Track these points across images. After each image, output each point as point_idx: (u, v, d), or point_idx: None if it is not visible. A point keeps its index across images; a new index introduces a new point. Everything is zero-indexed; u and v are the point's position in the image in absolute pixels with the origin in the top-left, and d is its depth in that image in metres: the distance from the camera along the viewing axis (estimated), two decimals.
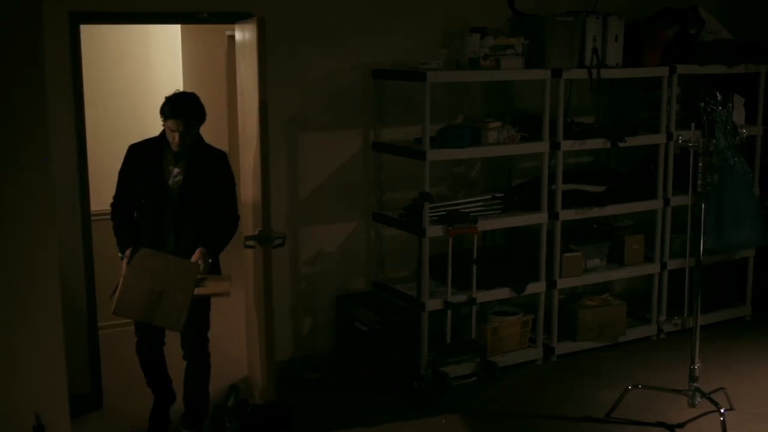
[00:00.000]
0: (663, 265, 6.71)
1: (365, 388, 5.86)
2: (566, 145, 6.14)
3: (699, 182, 5.26)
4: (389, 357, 5.79)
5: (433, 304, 5.83)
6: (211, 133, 5.14)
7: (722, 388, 5.51)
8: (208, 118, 4.88)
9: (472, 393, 5.82)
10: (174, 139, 4.72)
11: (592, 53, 6.16)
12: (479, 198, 6.13)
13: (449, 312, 5.88)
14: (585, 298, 6.58)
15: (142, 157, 4.83)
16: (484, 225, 5.97)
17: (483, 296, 6.01)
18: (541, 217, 6.14)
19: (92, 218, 5.44)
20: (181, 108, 4.70)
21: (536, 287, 6.22)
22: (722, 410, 5.18)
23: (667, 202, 6.63)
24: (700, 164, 5.25)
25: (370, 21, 6.04)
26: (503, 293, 6.12)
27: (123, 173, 4.89)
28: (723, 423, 5.12)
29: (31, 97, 3.93)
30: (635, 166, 6.93)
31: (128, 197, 4.87)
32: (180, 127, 4.69)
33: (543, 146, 6.08)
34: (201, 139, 4.87)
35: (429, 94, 5.60)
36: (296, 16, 5.80)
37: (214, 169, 4.88)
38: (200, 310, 4.84)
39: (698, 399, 5.31)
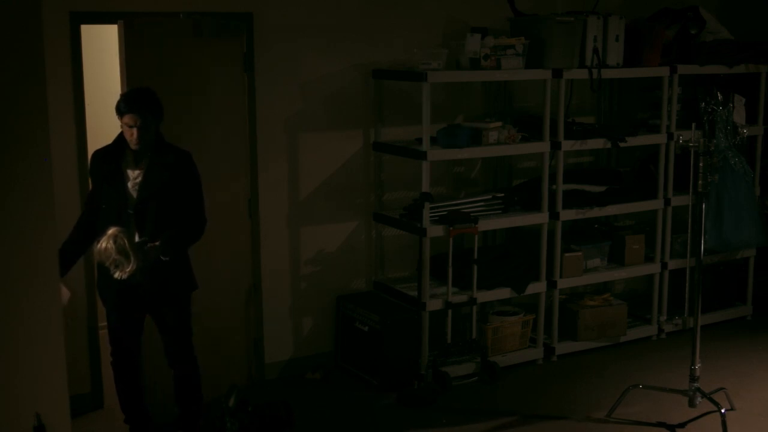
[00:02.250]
0: (663, 265, 6.71)
1: (365, 388, 5.86)
2: (567, 145, 6.13)
3: (699, 182, 5.25)
4: (390, 357, 5.79)
5: (434, 304, 5.83)
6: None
7: (723, 388, 5.51)
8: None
9: (473, 393, 5.82)
10: (132, 136, 4.52)
11: (593, 53, 6.16)
12: (480, 198, 6.13)
13: (450, 312, 5.88)
14: (586, 298, 6.58)
15: (102, 161, 4.66)
16: (485, 225, 5.97)
17: (483, 296, 6.00)
18: (541, 217, 6.14)
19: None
20: (137, 102, 4.52)
21: (537, 287, 6.22)
22: (723, 410, 5.18)
23: (667, 202, 6.62)
24: (700, 164, 5.24)
25: (370, 21, 6.04)
26: (504, 293, 6.12)
27: (92, 179, 4.80)
28: (723, 423, 5.11)
29: (32, 98, 3.93)
30: (636, 166, 6.93)
31: (98, 204, 4.70)
32: (137, 122, 4.49)
33: (543, 146, 6.08)
34: (162, 138, 4.67)
35: (429, 94, 5.60)
36: (296, 15, 5.80)
37: (177, 169, 4.65)
38: (182, 316, 4.79)
39: (699, 399, 5.30)
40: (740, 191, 6.66)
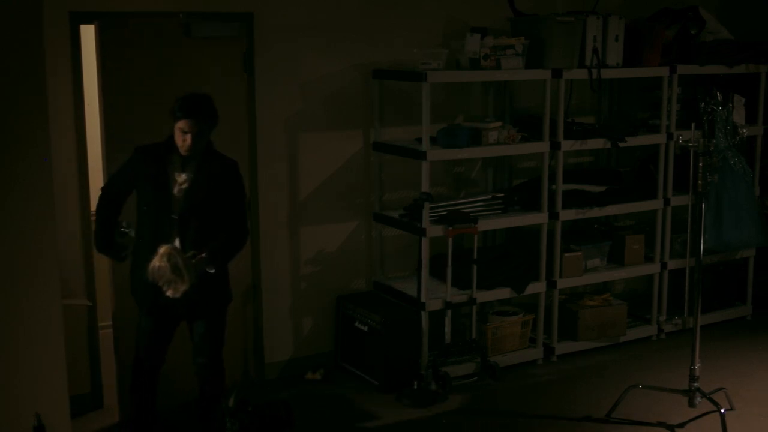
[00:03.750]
0: (663, 265, 6.71)
1: (366, 388, 5.86)
2: (566, 145, 6.13)
3: (699, 182, 5.25)
4: (389, 357, 5.79)
5: (434, 304, 5.83)
6: None
7: (722, 388, 5.51)
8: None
9: (473, 393, 5.82)
10: (185, 141, 4.44)
11: (593, 53, 6.16)
12: (479, 198, 6.13)
13: (449, 312, 5.88)
14: (585, 298, 6.58)
15: (148, 161, 4.54)
16: (485, 225, 5.97)
17: (483, 296, 6.01)
18: (541, 217, 6.14)
19: (92, 218, 5.43)
20: (195, 108, 4.44)
21: (536, 287, 6.22)
22: (722, 410, 5.18)
23: (667, 202, 6.63)
24: (700, 164, 5.25)
25: (370, 21, 6.04)
26: (503, 293, 6.12)
27: (124, 170, 4.67)
28: (723, 423, 5.12)
29: (32, 98, 3.93)
30: (635, 166, 6.93)
31: (122, 193, 4.67)
32: (192, 129, 4.41)
33: (543, 146, 6.08)
34: (211, 144, 4.60)
35: (429, 94, 5.60)
36: (296, 15, 5.80)
37: (223, 178, 4.58)
38: (217, 327, 4.71)
39: (698, 399, 5.31)
40: (740, 191, 6.67)
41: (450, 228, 5.74)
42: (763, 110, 6.97)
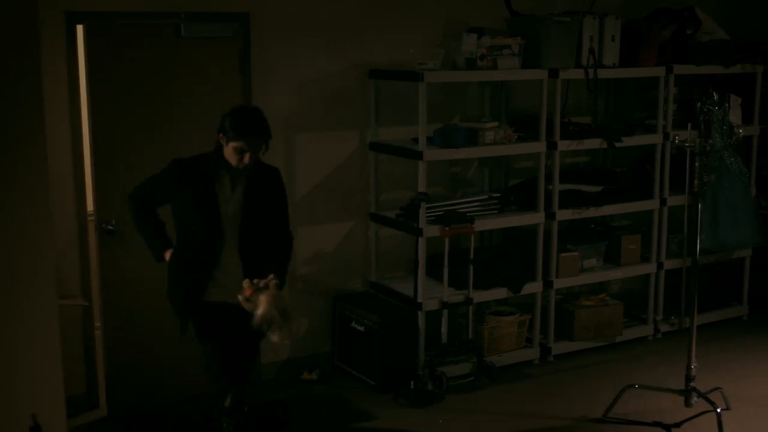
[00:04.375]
0: (659, 265, 6.72)
1: (362, 388, 5.86)
2: (563, 145, 6.14)
3: (695, 182, 5.26)
4: (386, 357, 5.79)
5: (430, 304, 5.83)
6: None
7: (719, 388, 5.51)
8: None
9: (470, 393, 5.82)
10: (242, 160, 4.19)
11: (589, 53, 6.16)
12: (476, 198, 6.13)
13: (446, 312, 5.88)
14: (582, 298, 6.58)
15: (190, 176, 4.27)
16: (481, 225, 5.97)
17: (480, 296, 6.01)
18: (537, 217, 6.14)
19: (88, 218, 5.43)
20: (252, 128, 4.19)
21: (533, 287, 6.22)
22: (719, 410, 5.18)
23: (663, 202, 6.63)
24: (696, 164, 5.25)
25: (367, 21, 6.04)
26: (500, 293, 6.12)
27: (160, 182, 4.38)
28: (719, 423, 5.12)
29: (30, 98, 3.93)
30: (632, 166, 6.94)
31: (155, 204, 4.46)
32: (251, 147, 4.17)
33: (540, 146, 6.08)
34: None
35: (426, 94, 5.60)
36: (293, 15, 5.79)
37: (272, 187, 4.39)
38: (257, 338, 4.39)
39: (695, 399, 5.31)
40: (736, 191, 6.68)
41: (447, 228, 5.74)
42: (759, 110, 6.97)
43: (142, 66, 5.39)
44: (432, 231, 5.76)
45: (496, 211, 6.12)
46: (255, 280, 4.10)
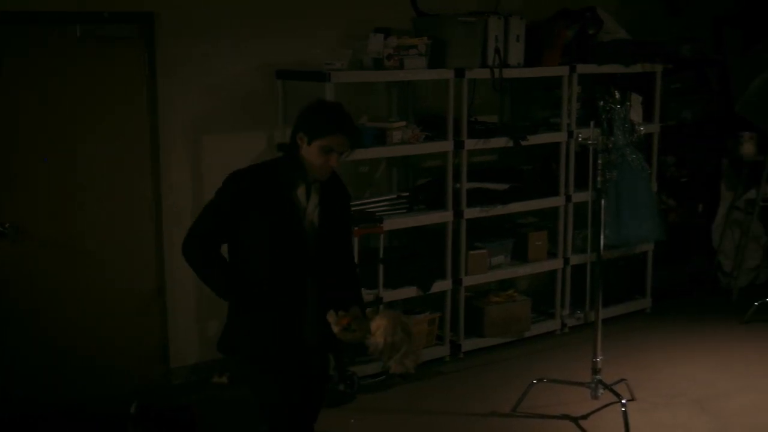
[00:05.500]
0: (566, 261, 6.83)
1: None
2: (470, 144, 6.20)
3: (598, 179, 5.37)
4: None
5: None
6: None
7: (623, 380, 5.64)
8: None
9: (381, 392, 5.83)
10: (327, 162, 3.63)
11: (495, 53, 6.23)
12: (384, 197, 6.14)
13: None
14: (490, 295, 6.65)
15: (265, 190, 3.66)
16: (390, 224, 5.99)
17: (390, 295, 6.02)
18: (446, 216, 6.19)
19: None
20: (348, 122, 3.68)
21: (442, 285, 6.27)
22: (623, 401, 5.30)
23: (568, 198, 6.74)
24: (599, 161, 5.36)
25: (275, 21, 6.00)
26: (410, 292, 6.15)
27: (220, 213, 3.70)
28: (624, 413, 5.24)
29: None
30: (537, 164, 7.03)
31: (220, 240, 3.73)
32: (344, 146, 3.65)
33: (447, 145, 6.13)
34: None
35: (333, 94, 5.59)
36: (199, 16, 5.72)
37: (342, 197, 3.86)
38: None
39: (600, 391, 5.42)
40: (638, 187, 6.81)
41: (356, 228, 5.75)
42: (659, 108, 7.14)
43: (37, 67, 5.25)
44: None
45: (404, 211, 6.14)
46: (340, 312, 3.61)
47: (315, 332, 3.73)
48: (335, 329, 3.58)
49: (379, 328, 3.62)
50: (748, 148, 7.46)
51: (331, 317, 3.60)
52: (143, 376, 5.77)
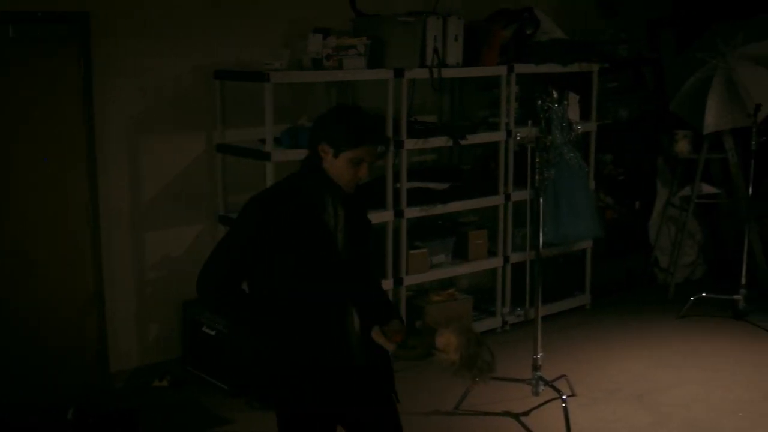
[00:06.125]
0: (506, 259, 6.89)
1: (216, 393, 5.78)
2: (410, 143, 6.21)
3: (537, 177, 5.42)
4: (237, 360, 5.73)
5: None
6: None
7: (564, 376, 5.70)
8: None
9: None
10: (357, 173, 3.33)
11: (433, 53, 6.26)
12: None
13: None
14: (432, 294, 6.68)
15: (292, 215, 3.31)
16: None
17: None
18: (386, 215, 6.20)
19: None
20: (380, 130, 3.49)
21: (383, 284, 6.26)
22: (564, 396, 5.36)
23: (507, 197, 6.80)
24: (537, 160, 5.41)
25: (213, 21, 5.96)
26: None
27: (244, 243, 3.33)
28: (565, 409, 5.30)
29: None
30: (477, 163, 7.08)
31: (241, 278, 3.38)
32: (375, 157, 3.37)
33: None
34: None
35: (272, 94, 5.57)
36: (135, 15, 5.66)
37: (364, 210, 3.59)
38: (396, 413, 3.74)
39: (541, 387, 5.48)
40: (576, 185, 6.87)
41: None
42: (596, 107, 7.24)
43: None
44: None
45: None
46: (384, 329, 3.36)
47: (363, 355, 3.46)
48: (389, 347, 3.36)
49: (449, 344, 3.34)
50: (682, 146, 7.58)
51: (378, 336, 3.35)
52: (83, 381, 5.68)
